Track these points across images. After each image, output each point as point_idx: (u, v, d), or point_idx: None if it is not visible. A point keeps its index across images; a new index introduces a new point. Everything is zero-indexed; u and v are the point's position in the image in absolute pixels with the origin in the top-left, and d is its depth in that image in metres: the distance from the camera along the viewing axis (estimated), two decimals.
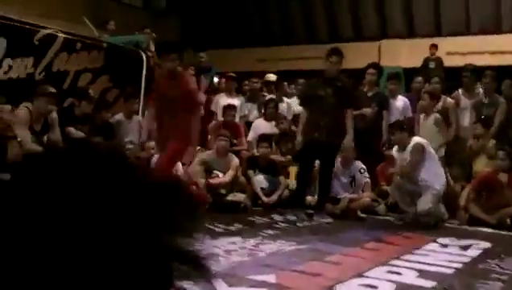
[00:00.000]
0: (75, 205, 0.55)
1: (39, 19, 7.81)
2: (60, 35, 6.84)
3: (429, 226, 5.74)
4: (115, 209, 0.56)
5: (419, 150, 5.84)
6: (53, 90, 5.91)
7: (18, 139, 5.28)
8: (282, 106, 8.10)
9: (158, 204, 0.59)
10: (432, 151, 6.03)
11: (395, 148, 6.14)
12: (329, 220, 5.85)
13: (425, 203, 5.77)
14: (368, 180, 6.51)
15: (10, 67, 6.37)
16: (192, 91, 5.30)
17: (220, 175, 6.44)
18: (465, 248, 4.82)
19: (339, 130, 5.80)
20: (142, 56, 7.81)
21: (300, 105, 6.34)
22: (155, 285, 0.56)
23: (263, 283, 3.45)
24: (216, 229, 5.06)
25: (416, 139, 6.02)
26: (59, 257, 0.53)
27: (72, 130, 6.12)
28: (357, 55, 11.65)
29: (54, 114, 5.89)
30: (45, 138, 5.74)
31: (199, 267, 0.57)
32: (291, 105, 8.17)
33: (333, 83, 5.82)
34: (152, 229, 0.57)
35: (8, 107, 5.73)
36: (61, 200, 0.55)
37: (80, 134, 6.15)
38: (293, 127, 7.64)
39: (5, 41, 6.34)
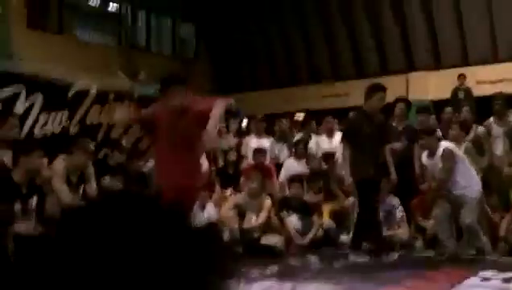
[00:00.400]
0: (122, 256, 0.58)
1: (73, 74, 8.12)
2: (93, 88, 7.09)
3: (470, 260, 5.59)
4: (160, 257, 0.59)
5: (450, 155, 5.79)
6: (92, 147, 6.09)
7: (56, 193, 5.42)
8: (311, 144, 8.13)
9: (200, 249, 0.62)
10: (461, 153, 6.01)
11: (424, 154, 6.07)
12: (366, 258, 5.76)
13: (468, 216, 5.68)
14: (403, 214, 6.42)
15: (46, 121, 6.60)
16: (204, 111, 4.22)
17: (253, 217, 6.45)
18: (508, 281, 4.67)
19: (381, 166, 5.84)
20: None
21: (343, 140, 6.04)
22: None
23: None
24: (252, 273, 5.04)
25: (444, 144, 5.98)
26: None
27: (106, 180, 6.26)
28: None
29: (90, 168, 6.05)
30: (81, 189, 5.87)
31: None
32: (320, 143, 8.19)
33: (375, 119, 5.85)
34: (196, 273, 0.60)
35: (45, 161, 5.91)
36: (109, 251, 0.58)
37: (115, 183, 6.28)
38: (324, 165, 7.64)
39: (41, 97, 6.61)
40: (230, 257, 0.67)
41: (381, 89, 5.87)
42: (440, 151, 5.83)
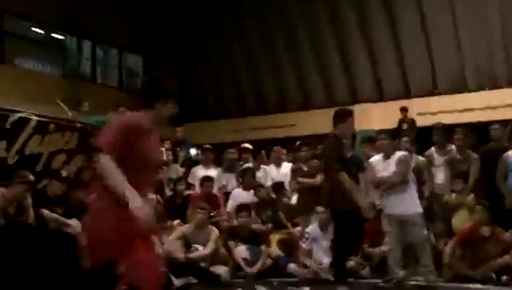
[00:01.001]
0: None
1: (14, 102, 7.86)
2: (33, 117, 6.84)
3: (416, 286, 5.64)
4: None
5: (407, 161, 5.87)
6: (31, 178, 5.87)
7: None
8: (259, 174, 8.10)
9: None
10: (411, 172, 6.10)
11: (379, 156, 6.07)
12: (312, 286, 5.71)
13: (418, 233, 5.76)
14: None
15: None
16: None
17: (200, 248, 6.31)
18: None
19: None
20: None
21: (337, 169, 5.41)
22: None
23: None
24: None
25: (401, 152, 6.05)
26: None
27: (45, 211, 5.99)
28: (331, 121, 11.87)
29: (29, 199, 5.81)
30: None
31: None
32: (268, 172, 8.18)
33: (346, 144, 5.77)
34: None
35: None
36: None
37: (54, 215, 6.03)
38: (272, 195, 7.62)
39: None
40: None
41: (352, 113, 5.77)
42: (397, 155, 5.91)
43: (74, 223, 6.14)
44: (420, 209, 5.88)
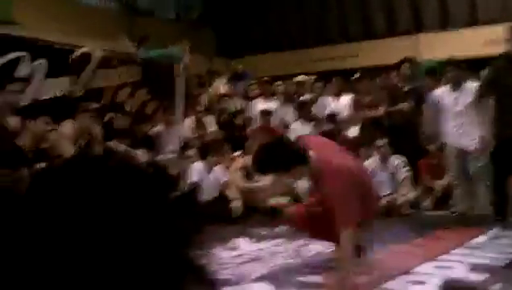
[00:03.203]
0: (96, 220, 0.55)
1: (76, 39, 8.03)
2: (97, 52, 7.00)
3: (479, 219, 5.56)
4: (134, 225, 0.56)
5: None
6: (95, 105, 6.08)
7: (65, 157, 5.41)
8: (318, 106, 8.02)
9: (176, 219, 0.60)
10: None
11: (445, 88, 5.70)
12: None
13: (478, 161, 5.53)
14: (408, 174, 6.34)
15: (50, 86, 6.56)
16: None
17: (262, 178, 6.44)
18: None
19: None
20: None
21: (484, 94, 5.19)
22: None
23: (311, 285, 3.44)
24: (261, 232, 5.08)
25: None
26: (80, 269, 0.53)
27: (113, 144, 6.24)
28: (393, 50, 11.49)
29: (97, 128, 6.05)
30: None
31: (207, 282, 0.60)
32: (327, 104, 8.09)
33: None
34: (169, 243, 0.57)
35: (51, 126, 5.90)
36: (81, 216, 0.55)
37: (122, 147, 6.27)
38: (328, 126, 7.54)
39: (46, 62, 6.54)
40: (205, 226, 0.64)
41: None
42: (474, 85, 5.49)
43: (141, 154, 6.40)
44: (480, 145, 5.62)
